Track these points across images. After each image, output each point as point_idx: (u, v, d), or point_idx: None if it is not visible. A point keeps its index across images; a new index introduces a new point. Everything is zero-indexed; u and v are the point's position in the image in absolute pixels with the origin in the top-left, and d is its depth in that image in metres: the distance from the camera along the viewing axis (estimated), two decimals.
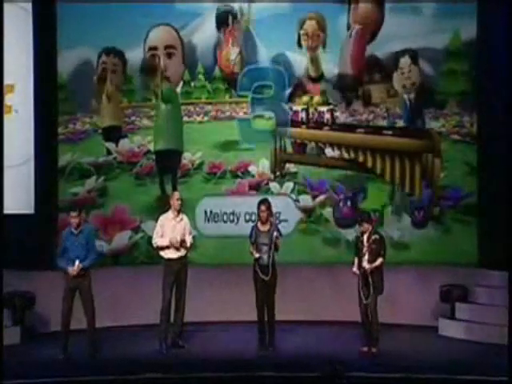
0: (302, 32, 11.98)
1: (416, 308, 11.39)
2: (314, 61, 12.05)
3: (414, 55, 11.81)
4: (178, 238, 9.92)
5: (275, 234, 9.90)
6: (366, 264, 9.62)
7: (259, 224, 10.05)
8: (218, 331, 11.22)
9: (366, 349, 9.78)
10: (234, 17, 12.10)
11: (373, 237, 9.73)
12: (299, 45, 12.02)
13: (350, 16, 11.92)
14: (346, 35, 11.93)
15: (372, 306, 9.67)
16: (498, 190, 10.83)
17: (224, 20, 12.11)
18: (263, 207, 10.02)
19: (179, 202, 10.10)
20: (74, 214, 9.72)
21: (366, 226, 9.77)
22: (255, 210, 10.30)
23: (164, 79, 11.97)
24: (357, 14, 11.90)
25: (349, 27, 11.94)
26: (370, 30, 11.87)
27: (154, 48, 12.03)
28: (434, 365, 9.16)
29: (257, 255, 9.83)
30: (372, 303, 9.67)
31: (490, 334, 10.13)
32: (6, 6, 10.01)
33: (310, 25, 11.96)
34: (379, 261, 9.66)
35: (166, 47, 12.06)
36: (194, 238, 10.39)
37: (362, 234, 9.81)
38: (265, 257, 9.90)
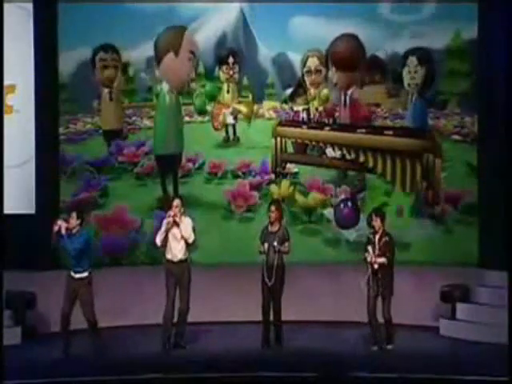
0: (305, 69, 12.04)
1: (417, 308, 11.38)
2: (317, 97, 12.11)
3: (423, 55, 11.82)
4: (178, 244, 9.94)
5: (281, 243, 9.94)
6: (375, 264, 9.67)
7: (269, 224, 10.07)
8: (219, 331, 11.22)
9: (375, 347, 9.83)
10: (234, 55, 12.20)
11: (383, 239, 9.75)
12: (303, 82, 12.10)
13: (336, 80, 12.07)
14: (341, 99, 12.06)
15: (386, 307, 9.74)
16: (498, 190, 10.84)
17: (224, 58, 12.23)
18: (272, 207, 10.05)
19: (178, 209, 9.92)
20: (73, 215, 9.71)
21: (380, 224, 9.79)
22: None
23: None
24: (340, 81, 12.03)
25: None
26: (359, 86, 12.02)
27: (192, 52, 12.07)
28: (434, 365, 9.16)
29: (264, 249, 9.88)
30: (387, 304, 9.74)
31: (490, 334, 10.10)
32: (7, 6, 10.00)
33: (312, 61, 12.03)
34: (383, 259, 9.68)
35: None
36: (194, 239, 10.38)
37: (374, 233, 9.82)
38: (270, 259, 9.94)
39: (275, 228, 10.02)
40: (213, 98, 12.15)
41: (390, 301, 9.77)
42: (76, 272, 9.61)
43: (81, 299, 9.63)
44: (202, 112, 12.20)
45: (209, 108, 12.25)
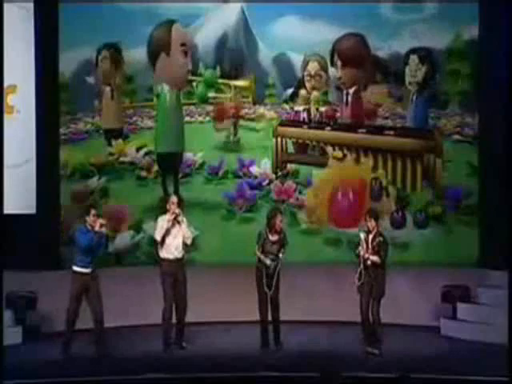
0: (305, 73, 12.04)
1: (417, 308, 11.39)
2: (317, 101, 12.12)
3: (424, 54, 11.82)
4: (174, 242, 9.95)
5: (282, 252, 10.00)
6: (368, 261, 9.67)
7: (269, 233, 10.05)
8: (219, 331, 11.23)
9: (369, 349, 9.80)
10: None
11: (377, 239, 9.75)
12: (303, 86, 12.08)
13: (340, 76, 12.05)
14: (343, 98, 12.05)
15: (375, 308, 9.71)
16: (499, 190, 10.84)
17: None
18: (280, 218, 10.07)
19: (175, 206, 10.00)
20: (94, 212, 9.77)
21: (374, 224, 9.78)
22: None
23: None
24: (345, 77, 12.01)
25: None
26: (362, 85, 12.01)
27: (184, 44, 12.00)
28: (434, 365, 9.16)
29: (268, 262, 9.87)
30: (375, 305, 9.71)
31: (490, 334, 10.11)
32: (8, 6, 10.02)
33: (313, 66, 12.03)
34: (376, 257, 9.67)
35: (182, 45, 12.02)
36: (193, 239, 10.40)
37: (368, 233, 9.81)
38: (271, 268, 9.93)
39: (276, 237, 10.02)
40: (212, 84, 12.09)
41: (379, 302, 9.74)
42: (86, 267, 9.64)
43: (91, 294, 9.68)
44: (203, 100, 12.16)
45: (210, 95, 12.21)
